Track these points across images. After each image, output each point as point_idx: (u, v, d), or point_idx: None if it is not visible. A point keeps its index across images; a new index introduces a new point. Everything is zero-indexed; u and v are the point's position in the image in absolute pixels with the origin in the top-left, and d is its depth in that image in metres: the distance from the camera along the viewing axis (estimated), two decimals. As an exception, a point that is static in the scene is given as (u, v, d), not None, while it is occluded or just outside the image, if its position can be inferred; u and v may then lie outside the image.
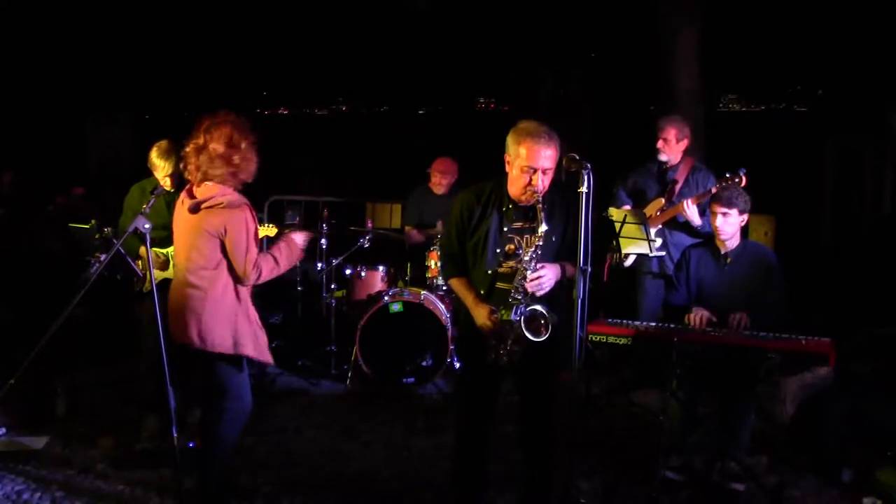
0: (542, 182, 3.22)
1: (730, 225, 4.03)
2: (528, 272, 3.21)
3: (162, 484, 3.97)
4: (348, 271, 6.06)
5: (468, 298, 3.41)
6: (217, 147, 3.42)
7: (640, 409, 5.13)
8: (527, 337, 3.20)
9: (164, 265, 4.41)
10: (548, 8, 9.07)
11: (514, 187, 3.30)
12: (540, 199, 3.21)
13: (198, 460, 3.68)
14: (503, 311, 3.25)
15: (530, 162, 3.20)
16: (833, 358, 3.54)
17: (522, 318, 3.21)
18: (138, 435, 4.47)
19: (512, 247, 3.33)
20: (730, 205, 3.99)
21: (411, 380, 5.54)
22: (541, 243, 3.21)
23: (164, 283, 4.25)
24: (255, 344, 3.56)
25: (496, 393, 3.51)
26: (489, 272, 3.36)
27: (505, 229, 3.35)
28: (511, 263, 3.32)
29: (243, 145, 3.47)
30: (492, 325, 3.27)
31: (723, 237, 4.07)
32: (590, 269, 3.04)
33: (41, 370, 4.32)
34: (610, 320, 3.98)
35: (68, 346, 5.54)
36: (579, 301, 3.04)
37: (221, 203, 3.41)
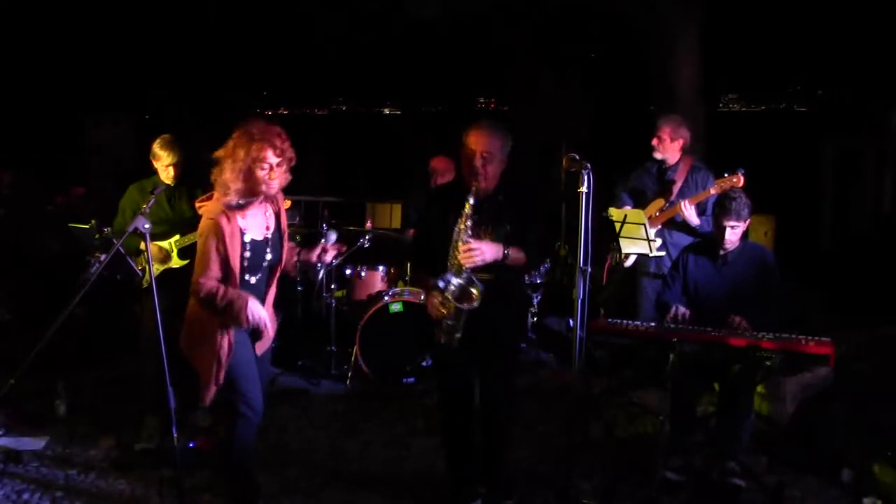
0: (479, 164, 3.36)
1: (736, 235, 4.05)
2: (460, 244, 3.33)
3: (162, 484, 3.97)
4: (348, 271, 6.06)
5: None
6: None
7: (640, 409, 5.13)
8: (453, 303, 3.30)
9: (166, 258, 4.40)
10: (548, 7, 9.07)
11: None
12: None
13: (223, 467, 3.65)
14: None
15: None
16: (833, 358, 3.54)
17: (449, 285, 3.30)
18: (138, 435, 4.47)
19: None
20: (738, 218, 4.00)
21: (411, 380, 5.54)
22: (470, 223, 3.33)
23: (164, 279, 4.25)
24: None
25: (464, 379, 3.58)
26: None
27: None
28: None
29: (232, 156, 3.19)
30: (431, 305, 3.40)
31: (729, 247, 4.08)
32: (590, 270, 3.05)
33: (41, 370, 4.31)
34: (610, 320, 3.98)
35: (68, 346, 5.57)
36: (579, 301, 3.05)
37: (203, 211, 3.38)
